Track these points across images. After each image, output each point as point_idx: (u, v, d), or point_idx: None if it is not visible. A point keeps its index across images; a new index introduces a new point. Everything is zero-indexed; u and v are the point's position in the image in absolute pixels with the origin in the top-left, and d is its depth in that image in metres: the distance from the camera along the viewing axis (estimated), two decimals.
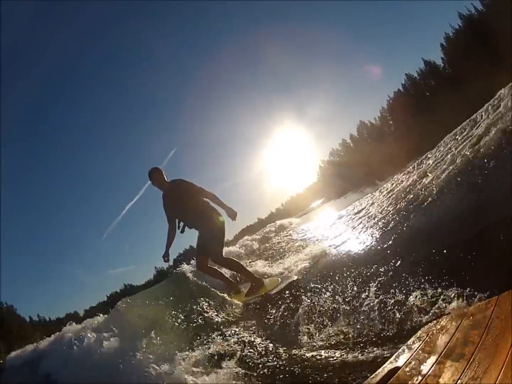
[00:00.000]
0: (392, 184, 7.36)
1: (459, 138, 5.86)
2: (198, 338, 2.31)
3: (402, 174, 7.80)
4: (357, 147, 55.24)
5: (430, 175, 4.56)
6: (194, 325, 2.80)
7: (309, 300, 2.44)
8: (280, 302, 2.76)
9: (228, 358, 1.81)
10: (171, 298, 3.34)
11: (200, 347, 2.04)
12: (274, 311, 2.70)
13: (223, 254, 3.59)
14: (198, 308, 3.12)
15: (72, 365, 2.87)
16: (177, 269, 4.47)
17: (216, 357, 1.93)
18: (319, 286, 2.69)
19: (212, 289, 3.71)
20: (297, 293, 2.81)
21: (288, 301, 2.72)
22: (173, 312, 3.00)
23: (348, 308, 2.01)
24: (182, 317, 2.93)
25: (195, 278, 4.00)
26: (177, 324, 2.77)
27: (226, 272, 3.88)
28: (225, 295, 3.48)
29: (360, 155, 47.92)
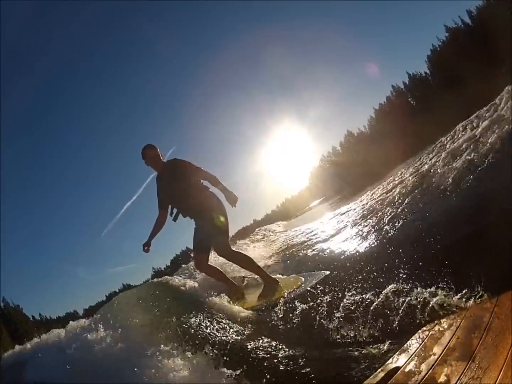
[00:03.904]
0: (383, 185, 7.46)
1: (456, 139, 5.96)
2: (192, 340, 2.22)
3: (392, 177, 7.91)
4: (345, 153, 57.84)
5: (431, 173, 4.60)
6: (187, 326, 2.63)
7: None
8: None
9: (226, 358, 1.78)
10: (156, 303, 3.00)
11: (197, 350, 1.99)
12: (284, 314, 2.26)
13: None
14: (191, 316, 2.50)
15: (57, 367, 2.79)
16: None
17: (213, 358, 1.89)
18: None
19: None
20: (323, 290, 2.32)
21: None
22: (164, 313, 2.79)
23: (347, 308, 2.01)
24: (174, 319, 2.66)
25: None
26: (169, 325, 2.63)
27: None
28: (225, 300, 2.82)
29: (348, 160, 50.12)
